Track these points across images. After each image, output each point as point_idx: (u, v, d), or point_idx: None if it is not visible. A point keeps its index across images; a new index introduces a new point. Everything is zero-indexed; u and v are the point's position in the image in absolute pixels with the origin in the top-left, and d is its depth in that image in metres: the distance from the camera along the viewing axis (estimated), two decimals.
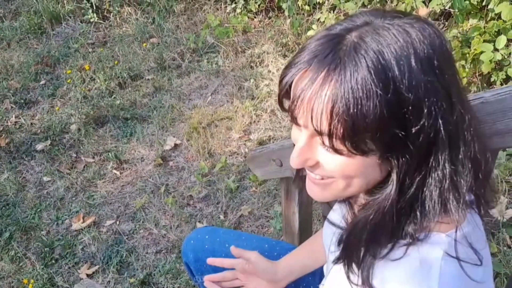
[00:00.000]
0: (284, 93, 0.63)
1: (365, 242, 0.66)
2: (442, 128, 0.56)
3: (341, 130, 0.56)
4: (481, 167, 0.64)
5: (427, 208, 0.61)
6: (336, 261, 0.72)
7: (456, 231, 0.63)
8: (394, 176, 0.61)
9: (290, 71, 0.60)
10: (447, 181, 0.60)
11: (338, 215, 0.86)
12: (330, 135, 0.58)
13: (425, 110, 0.55)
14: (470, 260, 0.63)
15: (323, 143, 0.61)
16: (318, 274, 1.19)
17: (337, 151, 0.59)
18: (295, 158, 0.64)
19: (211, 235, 1.26)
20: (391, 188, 0.61)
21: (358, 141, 0.57)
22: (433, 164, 0.59)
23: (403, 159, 0.58)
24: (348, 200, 0.79)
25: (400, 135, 0.56)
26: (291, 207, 1.49)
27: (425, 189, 0.61)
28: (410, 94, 0.54)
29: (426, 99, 0.55)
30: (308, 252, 1.17)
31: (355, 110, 0.54)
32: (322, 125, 0.57)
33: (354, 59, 0.54)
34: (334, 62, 0.56)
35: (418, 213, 0.62)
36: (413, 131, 0.56)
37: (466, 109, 0.60)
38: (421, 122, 0.55)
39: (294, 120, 0.62)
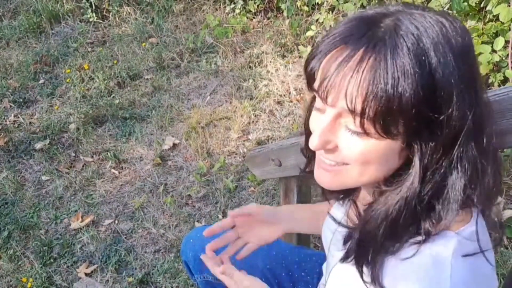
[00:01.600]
0: (314, 72, 0.61)
1: (381, 238, 0.65)
2: (469, 118, 0.58)
3: (374, 109, 0.56)
4: (498, 164, 0.66)
5: (449, 201, 0.61)
6: (344, 259, 0.71)
7: (466, 228, 0.64)
8: (417, 163, 0.60)
9: (321, 49, 0.60)
10: (472, 174, 0.61)
11: (340, 212, 0.87)
12: (362, 114, 0.57)
13: (455, 98, 0.56)
14: (481, 258, 0.63)
15: (353, 123, 0.59)
16: (316, 274, 1.20)
17: (365, 132, 0.59)
18: (317, 138, 0.63)
19: None
20: (413, 176, 0.61)
21: (389, 122, 0.57)
22: (458, 155, 0.60)
23: (428, 145, 0.59)
24: (353, 199, 0.78)
25: (432, 118, 0.57)
26: None
27: (447, 182, 0.61)
28: (444, 80, 0.56)
29: (457, 87, 0.56)
30: (310, 212, 1.13)
31: (392, 90, 0.55)
32: (356, 103, 0.57)
33: (394, 39, 0.55)
34: (373, 41, 0.56)
35: (439, 207, 0.62)
36: (442, 117, 0.57)
37: (487, 103, 0.63)
38: (450, 110, 0.57)
39: (323, 99, 0.60)
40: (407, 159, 0.63)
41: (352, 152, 0.62)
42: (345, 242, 0.72)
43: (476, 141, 0.60)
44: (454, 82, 0.56)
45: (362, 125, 0.58)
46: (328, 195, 0.86)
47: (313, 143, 0.63)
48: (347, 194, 0.83)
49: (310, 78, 0.62)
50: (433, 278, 0.61)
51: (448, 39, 0.57)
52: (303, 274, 1.20)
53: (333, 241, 0.87)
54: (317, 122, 0.65)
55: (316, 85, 0.61)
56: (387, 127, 0.57)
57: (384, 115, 0.56)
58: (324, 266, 1.09)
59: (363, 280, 0.67)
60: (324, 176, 0.69)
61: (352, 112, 0.57)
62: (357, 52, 0.56)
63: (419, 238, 0.63)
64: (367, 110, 0.56)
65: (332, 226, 0.87)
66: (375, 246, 0.66)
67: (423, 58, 0.55)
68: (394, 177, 0.64)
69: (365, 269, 0.67)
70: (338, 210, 0.89)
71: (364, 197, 0.76)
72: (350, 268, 0.70)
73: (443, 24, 0.58)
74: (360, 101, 0.56)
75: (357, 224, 0.72)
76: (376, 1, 2.98)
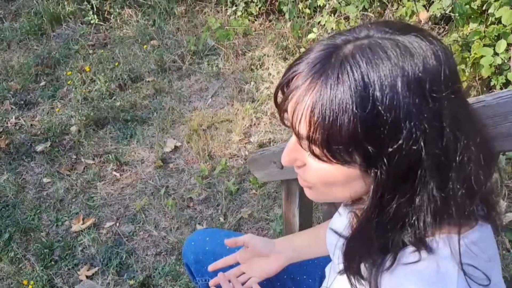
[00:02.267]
0: (280, 91, 0.64)
1: (358, 255, 0.68)
2: (424, 152, 0.55)
3: (319, 138, 0.58)
4: (482, 184, 0.62)
5: (416, 224, 0.61)
6: (341, 272, 0.73)
7: (460, 238, 0.62)
8: (370, 191, 0.61)
9: (287, 73, 0.62)
10: (436, 203, 0.59)
11: (344, 219, 0.86)
12: (309, 141, 0.59)
13: (404, 132, 0.54)
14: (476, 273, 0.62)
15: (303, 147, 0.63)
16: (318, 277, 1.19)
17: (317, 156, 0.61)
18: (284, 155, 0.67)
19: (212, 237, 1.26)
20: (368, 201, 0.62)
21: (334, 150, 0.58)
22: (419, 187, 0.58)
23: (382, 176, 0.58)
24: (353, 211, 0.78)
25: (371, 152, 0.56)
26: (291, 209, 1.50)
27: (412, 208, 0.60)
28: (388, 114, 0.54)
29: (407, 121, 0.54)
30: (311, 234, 1.15)
31: (330, 122, 0.55)
32: (302, 130, 0.59)
33: (338, 74, 0.55)
34: (319, 72, 0.57)
35: (408, 227, 0.62)
36: (390, 150, 0.55)
37: (464, 133, 0.58)
38: (399, 143, 0.55)
39: (281, 120, 0.64)
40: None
41: (315, 172, 0.64)
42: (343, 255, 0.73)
43: (441, 173, 0.58)
44: (404, 117, 0.54)
45: (310, 149, 0.60)
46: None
47: (282, 159, 0.67)
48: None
49: (276, 98, 0.66)
50: (438, 284, 0.61)
51: (403, 70, 0.54)
52: (305, 277, 1.19)
53: (337, 246, 0.86)
54: (291, 138, 0.68)
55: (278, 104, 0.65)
56: (334, 155, 0.59)
57: (327, 143, 0.58)
58: (327, 269, 1.08)
59: None
60: (307, 191, 0.72)
61: (301, 138, 0.61)
62: (306, 81, 0.58)
63: (413, 248, 0.63)
64: (312, 138, 0.58)
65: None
66: (361, 259, 0.68)
67: (367, 92, 0.54)
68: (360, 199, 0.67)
69: (362, 281, 0.68)
70: (339, 220, 0.89)
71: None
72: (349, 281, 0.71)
73: (404, 53, 0.55)
74: (305, 129, 0.58)
75: (348, 237, 0.73)
76: (378, 4, 2.99)
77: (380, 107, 0.54)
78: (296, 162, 0.66)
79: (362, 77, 0.54)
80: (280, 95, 0.64)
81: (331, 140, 0.57)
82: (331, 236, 0.91)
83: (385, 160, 0.56)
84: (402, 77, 0.54)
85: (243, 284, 1.09)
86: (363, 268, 0.68)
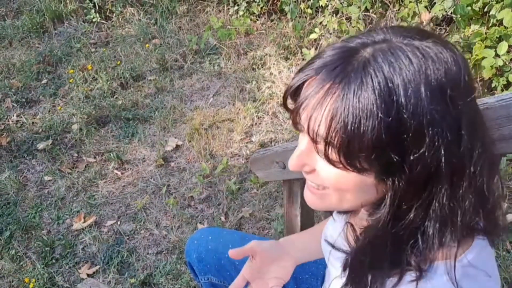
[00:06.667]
0: (290, 94, 0.63)
1: (368, 268, 0.65)
2: (443, 159, 0.54)
3: (337, 144, 0.56)
4: (489, 198, 0.61)
5: (428, 238, 0.60)
6: (344, 287, 0.71)
7: (456, 261, 0.61)
8: (388, 199, 0.59)
9: (299, 75, 0.60)
10: (446, 214, 0.58)
11: (338, 227, 0.85)
12: (326, 147, 0.58)
13: (427, 139, 0.53)
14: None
15: (319, 152, 0.61)
16: (320, 277, 1.20)
17: (331, 162, 0.59)
18: (294, 159, 0.65)
19: (214, 236, 1.27)
20: (384, 211, 0.60)
21: (353, 158, 0.57)
22: (433, 195, 0.57)
23: (400, 184, 0.57)
24: (350, 222, 0.76)
25: (395, 160, 0.55)
26: (293, 209, 1.50)
27: (427, 219, 0.59)
28: (412, 121, 0.53)
29: (430, 128, 0.53)
30: (311, 235, 1.12)
31: (352, 128, 0.54)
32: (319, 135, 0.58)
33: (361, 77, 0.54)
34: (340, 76, 0.55)
35: (420, 243, 0.60)
36: (412, 158, 0.54)
37: (479, 140, 0.57)
38: (421, 150, 0.54)
39: (294, 125, 0.62)
40: (385, 193, 0.61)
41: (327, 178, 0.62)
42: (344, 269, 0.72)
43: (454, 182, 0.57)
44: (427, 123, 0.53)
45: (327, 156, 0.58)
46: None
47: (290, 164, 0.65)
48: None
49: (285, 101, 0.65)
50: None
51: (426, 76, 0.53)
52: (307, 276, 1.20)
53: (332, 252, 0.86)
54: (300, 141, 0.66)
55: (291, 109, 0.63)
56: (351, 162, 0.57)
57: (345, 152, 0.56)
58: (327, 271, 1.09)
59: None
60: (310, 197, 0.70)
61: (317, 143, 0.59)
62: (325, 85, 0.56)
63: (415, 274, 0.62)
64: (330, 143, 0.57)
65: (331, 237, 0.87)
66: (369, 275, 0.66)
67: (391, 98, 0.52)
68: (373, 208, 0.64)
69: None
70: (333, 226, 0.89)
71: (362, 218, 0.74)
72: None
73: (424, 58, 0.54)
74: (323, 134, 0.57)
75: (352, 251, 0.71)
76: (380, 5, 2.99)
77: (404, 113, 0.53)
78: (305, 167, 0.65)
79: (386, 82, 0.53)
80: (290, 99, 0.63)
81: (351, 147, 0.55)
82: (325, 244, 0.91)
83: (405, 168, 0.55)
84: (425, 83, 0.53)
85: None
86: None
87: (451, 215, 0.58)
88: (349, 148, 0.56)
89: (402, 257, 0.62)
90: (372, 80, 0.53)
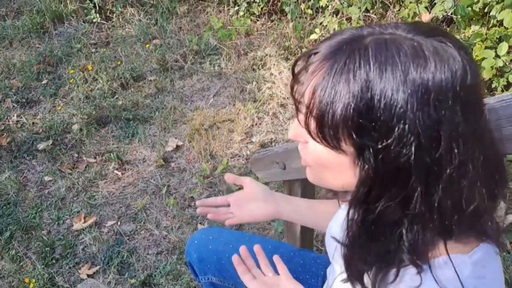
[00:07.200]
0: (296, 63, 0.67)
1: (357, 259, 0.67)
2: (413, 157, 0.55)
3: (315, 117, 0.60)
4: (472, 204, 0.60)
5: (408, 234, 0.60)
6: (345, 281, 0.72)
7: (452, 261, 0.61)
8: (357, 183, 0.61)
9: (316, 46, 0.64)
10: (422, 212, 0.58)
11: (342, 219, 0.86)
12: (306, 116, 0.61)
13: (395, 133, 0.54)
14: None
15: (300, 121, 0.64)
16: (320, 277, 1.20)
17: (311, 134, 0.62)
18: (290, 129, 0.69)
19: (215, 236, 1.27)
20: (353, 191, 0.62)
21: (325, 133, 0.60)
22: (408, 192, 0.58)
23: (369, 170, 0.58)
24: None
25: (362, 144, 0.57)
26: None
27: (404, 216, 0.60)
28: (383, 112, 0.54)
29: (401, 122, 0.54)
30: (307, 203, 1.15)
31: (326, 104, 0.57)
32: (302, 104, 0.62)
33: (346, 61, 0.56)
34: (331, 54, 0.59)
35: (404, 239, 0.61)
36: (379, 147, 0.56)
37: (467, 148, 0.56)
38: (388, 142, 0.55)
39: (291, 90, 0.65)
40: None
41: (312, 151, 0.66)
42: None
43: (428, 186, 0.57)
44: (397, 118, 0.54)
45: (306, 125, 0.62)
46: (327, 193, 0.87)
47: (289, 133, 0.70)
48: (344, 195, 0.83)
49: (294, 66, 0.68)
50: None
51: (411, 75, 0.54)
52: (307, 276, 1.20)
53: (337, 249, 0.86)
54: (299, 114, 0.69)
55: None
56: (323, 136, 0.60)
57: (320, 126, 0.60)
58: (328, 270, 1.09)
59: None
60: (306, 170, 0.74)
61: (298, 110, 0.63)
62: (319, 60, 0.60)
63: (416, 269, 0.62)
64: (309, 113, 0.60)
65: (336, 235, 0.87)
66: (364, 268, 0.67)
67: (368, 86, 0.55)
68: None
69: None
70: (335, 224, 0.89)
71: None
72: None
73: (419, 57, 0.54)
74: (306, 103, 0.60)
75: (345, 241, 0.71)
76: (380, 5, 2.99)
77: (378, 103, 0.55)
78: (300, 137, 0.68)
79: (367, 71, 0.55)
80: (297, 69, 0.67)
81: (324, 122, 0.58)
82: (330, 239, 0.91)
83: (372, 155, 0.57)
84: (407, 81, 0.54)
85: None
86: (366, 278, 0.68)
87: (428, 214, 0.59)
88: (322, 123, 0.59)
89: (388, 254, 0.63)
90: (354, 65, 0.56)
